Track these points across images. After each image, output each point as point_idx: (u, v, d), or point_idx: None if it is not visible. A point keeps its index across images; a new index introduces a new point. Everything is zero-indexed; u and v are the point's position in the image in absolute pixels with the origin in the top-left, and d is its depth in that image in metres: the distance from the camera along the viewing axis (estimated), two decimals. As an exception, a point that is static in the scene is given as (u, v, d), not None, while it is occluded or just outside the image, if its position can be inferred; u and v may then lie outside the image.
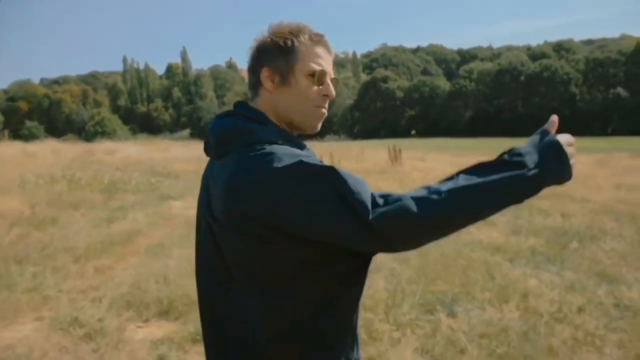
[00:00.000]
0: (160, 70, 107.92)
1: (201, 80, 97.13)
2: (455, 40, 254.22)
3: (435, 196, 0.99)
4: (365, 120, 78.37)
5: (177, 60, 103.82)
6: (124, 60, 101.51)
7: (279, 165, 1.02)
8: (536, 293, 4.35)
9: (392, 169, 11.71)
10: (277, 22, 1.23)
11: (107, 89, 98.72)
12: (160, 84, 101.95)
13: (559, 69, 65.55)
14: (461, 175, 1.05)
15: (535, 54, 73.39)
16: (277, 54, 1.18)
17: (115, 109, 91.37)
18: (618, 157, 27.18)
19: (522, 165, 1.04)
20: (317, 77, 1.19)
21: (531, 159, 1.05)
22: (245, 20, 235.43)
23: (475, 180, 1.02)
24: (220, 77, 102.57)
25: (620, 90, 59.56)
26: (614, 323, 3.76)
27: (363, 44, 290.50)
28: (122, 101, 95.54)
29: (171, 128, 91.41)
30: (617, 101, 60.81)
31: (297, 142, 1.17)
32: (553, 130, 1.13)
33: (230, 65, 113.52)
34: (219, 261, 1.14)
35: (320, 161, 1.07)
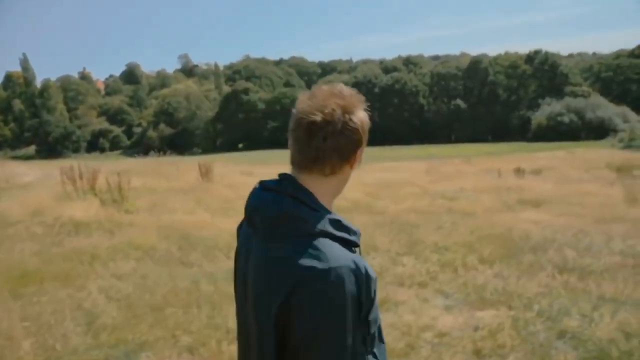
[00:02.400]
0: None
1: (49, 92, 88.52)
2: (316, 53, 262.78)
3: None
4: (228, 133, 77.09)
5: (17, 69, 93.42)
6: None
7: (330, 293, 1.07)
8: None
9: (201, 186, 10.90)
10: (351, 92, 1.19)
11: None
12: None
13: (408, 82, 70.04)
14: None
15: (387, 68, 77.66)
16: (365, 138, 1.20)
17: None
18: (453, 163, 29.28)
19: None
20: (357, 164, 1.24)
21: None
22: (100, 29, 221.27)
23: None
24: (71, 88, 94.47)
25: (459, 101, 65.14)
26: None
27: (226, 56, 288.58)
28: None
29: (12, 144, 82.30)
30: (458, 112, 66.49)
31: (347, 228, 1.18)
32: None
33: (84, 76, 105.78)
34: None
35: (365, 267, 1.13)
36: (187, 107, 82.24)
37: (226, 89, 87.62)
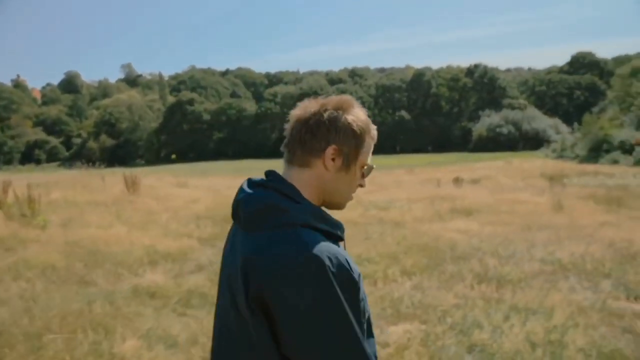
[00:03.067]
0: None
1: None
2: (263, 64, 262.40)
3: None
4: (172, 144, 75.40)
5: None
6: None
7: (307, 275, 1.05)
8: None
9: (125, 198, 10.33)
10: (344, 97, 1.26)
11: None
12: None
13: (353, 93, 70.79)
14: None
15: (333, 79, 78.40)
16: (349, 138, 1.22)
17: None
18: (395, 173, 29.61)
19: None
20: (367, 171, 1.29)
21: None
22: (37, 35, 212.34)
23: None
24: (3, 97, 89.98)
25: (404, 113, 66.43)
26: None
27: (171, 66, 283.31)
28: None
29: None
30: (402, 123, 67.75)
31: (330, 221, 1.20)
32: None
33: (18, 84, 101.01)
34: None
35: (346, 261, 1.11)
36: (129, 117, 79.95)
37: (171, 99, 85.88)
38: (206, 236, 7.35)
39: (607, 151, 35.75)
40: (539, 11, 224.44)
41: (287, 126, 1.25)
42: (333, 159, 1.21)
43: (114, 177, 12.50)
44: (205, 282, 5.23)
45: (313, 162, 1.21)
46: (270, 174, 1.25)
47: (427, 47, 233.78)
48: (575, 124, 47.44)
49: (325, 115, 1.20)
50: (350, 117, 1.21)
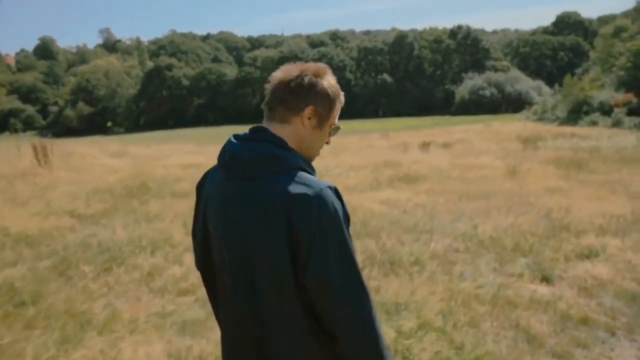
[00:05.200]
0: None
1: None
2: (249, 28, 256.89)
3: None
4: (152, 111, 73.71)
5: None
6: None
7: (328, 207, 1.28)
8: None
9: (30, 171, 9.38)
10: (321, 65, 1.44)
11: None
12: None
13: (335, 56, 69.13)
14: None
15: (314, 42, 76.45)
16: (325, 101, 1.40)
17: None
18: (370, 138, 28.85)
19: None
20: (333, 130, 1.46)
21: None
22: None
23: None
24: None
25: (386, 76, 65.13)
26: None
27: (151, 31, 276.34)
28: None
29: None
30: (384, 86, 66.45)
31: (311, 166, 1.40)
32: None
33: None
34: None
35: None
36: (107, 84, 77.83)
37: (150, 65, 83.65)
38: (92, 212, 6.53)
39: (587, 113, 35.19)
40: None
41: (268, 86, 1.41)
42: (309, 118, 1.38)
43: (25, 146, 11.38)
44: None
45: (292, 119, 1.38)
46: (258, 129, 1.38)
47: (416, 9, 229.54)
48: (556, 86, 46.68)
49: (306, 80, 1.36)
50: (325, 83, 1.39)
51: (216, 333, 1.96)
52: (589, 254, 4.95)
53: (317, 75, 1.37)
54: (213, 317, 1.60)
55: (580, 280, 4.26)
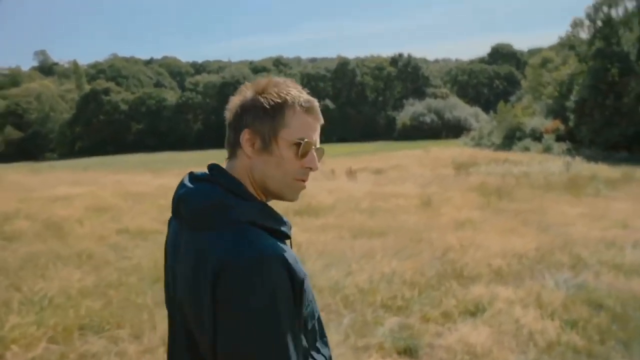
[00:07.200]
0: None
1: None
2: (194, 53, 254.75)
3: None
4: (88, 136, 70.66)
5: None
6: None
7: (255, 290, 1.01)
8: None
9: None
10: (265, 78, 1.19)
11: None
12: None
13: (277, 83, 68.76)
14: None
15: (257, 68, 75.93)
16: (261, 116, 1.13)
17: None
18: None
19: None
20: (302, 148, 1.13)
21: None
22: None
23: None
24: None
25: (329, 102, 65.04)
26: None
27: (91, 54, 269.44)
28: None
29: None
30: (327, 112, 66.12)
31: (276, 218, 1.14)
32: None
33: None
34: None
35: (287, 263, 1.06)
36: (38, 107, 74.27)
37: (87, 89, 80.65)
38: None
39: (520, 139, 35.97)
40: (466, 3, 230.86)
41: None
42: (252, 144, 1.13)
43: None
44: None
45: (237, 153, 1.16)
46: (213, 167, 1.17)
47: (360, 38, 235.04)
48: (492, 113, 47.81)
49: (238, 100, 1.16)
50: (262, 96, 1.13)
51: None
52: (474, 310, 4.06)
53: (256, 90, 1.14)
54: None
55: (450, 353, 3.30)
